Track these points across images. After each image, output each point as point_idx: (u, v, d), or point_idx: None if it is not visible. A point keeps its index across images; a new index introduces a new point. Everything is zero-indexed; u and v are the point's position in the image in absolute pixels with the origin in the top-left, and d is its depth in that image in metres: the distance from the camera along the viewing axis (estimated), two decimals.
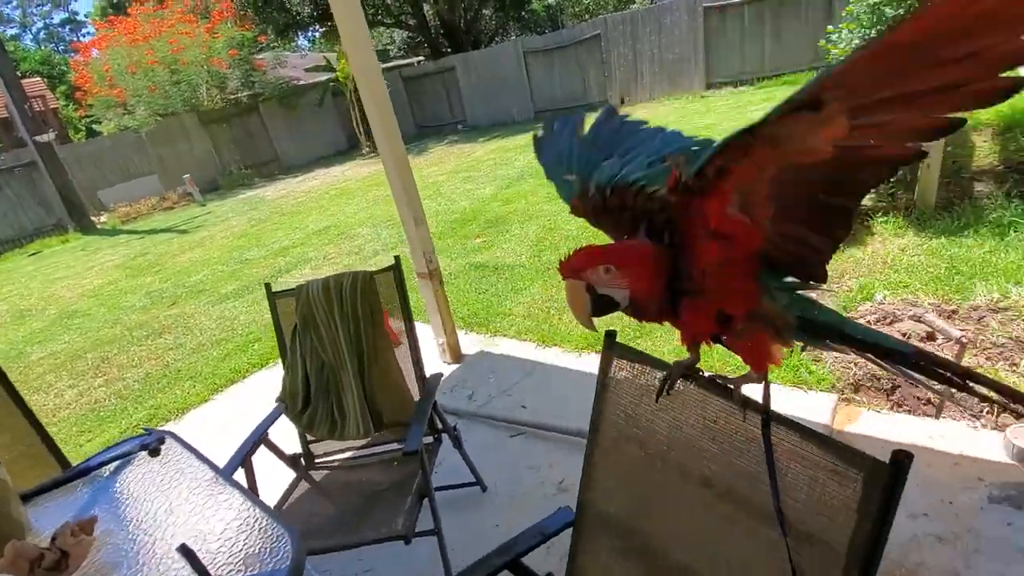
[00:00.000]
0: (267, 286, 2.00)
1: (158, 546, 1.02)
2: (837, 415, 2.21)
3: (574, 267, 0.78)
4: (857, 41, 3.68)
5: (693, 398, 0.94)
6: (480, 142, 12.52)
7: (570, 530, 1.20)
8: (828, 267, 0.77)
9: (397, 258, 1.95)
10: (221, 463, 1.37)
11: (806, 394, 2.35)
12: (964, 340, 2.04)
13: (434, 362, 3.30)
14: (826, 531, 0.75)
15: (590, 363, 2.98)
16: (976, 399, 2.18)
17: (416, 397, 1.96)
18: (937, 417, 2.17)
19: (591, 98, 13.09)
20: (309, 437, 1.96)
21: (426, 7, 19.04)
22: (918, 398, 2.27)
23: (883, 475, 0.69)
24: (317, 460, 1.99)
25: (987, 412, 2.13)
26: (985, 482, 1.79)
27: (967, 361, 2.30)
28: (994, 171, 4.23)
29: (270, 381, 3.63)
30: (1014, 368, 2.27)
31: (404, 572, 1.90)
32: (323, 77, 15.08)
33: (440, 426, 1.91)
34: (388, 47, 23.53)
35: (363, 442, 2.02)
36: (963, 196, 3.85)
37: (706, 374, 0.94)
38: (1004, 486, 1.76)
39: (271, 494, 1.82)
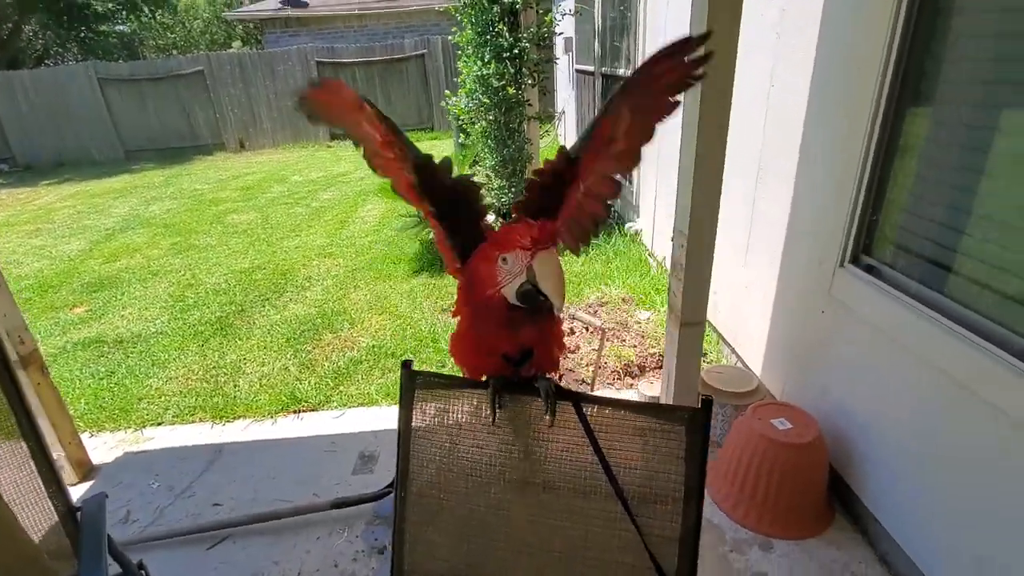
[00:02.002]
0: None
1: None
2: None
3: (553, 233, 0.74)
4: (473, 104, 4.45)
5: (513, 410, 0.91)
6: (44, 186, 9.41)
7: None
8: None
9: None
10: None
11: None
12: (603, 327, 2.67)
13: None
14: (663, 487, 0.84)
15: (290, 427, 2.57)
16: (611, 372, 2.88)
17: (55, 546, 1.27)
18: (592, 389, 2.77)
19: (202, 139, 11.60)
20: None
21: None
22: (576, 380, 2.86)
23: (699, 418, 0.82)
24: None
25: (616, 379, 2.85)
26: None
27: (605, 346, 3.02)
28: None
29: None
30: (623, 342, 3.11)
31: None
32: None
33: (118, 571, 1.28)
34: None
35: None
36: None
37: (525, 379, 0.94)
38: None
39: None
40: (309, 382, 2.90)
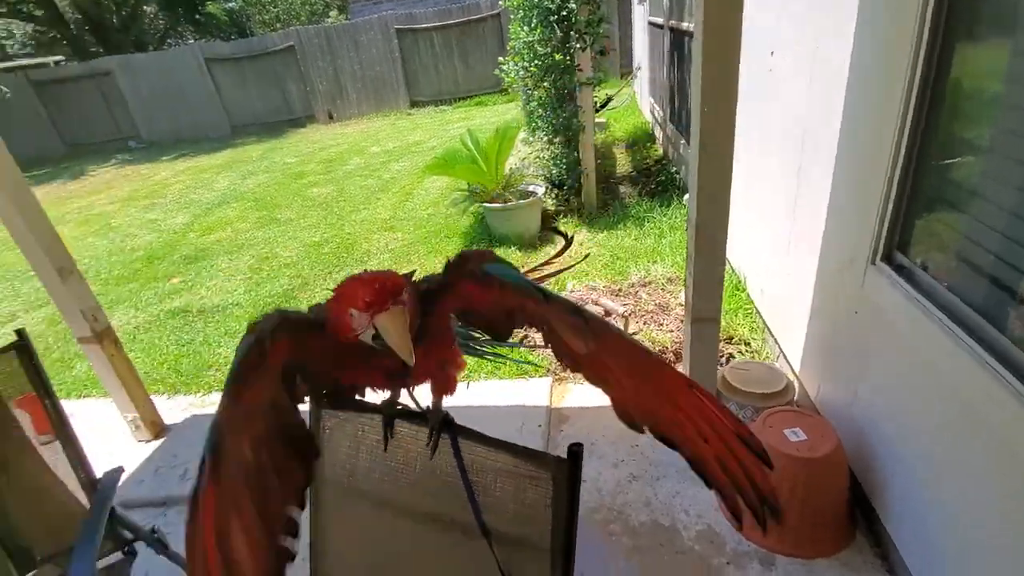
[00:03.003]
0: None
1: None
2: (554, 394, 2.54)
3: (394, 290, 0.69)
4: (521, 71, 4.30)
5: (408, 438, 0.91)
6: (164, 161, 10.56)
7: None
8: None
9: (21, 332, 1.43)
10: None
11: (527, 382, 2.63)
12: (626, 314, 2.56)
13: (125, 444, 2.61)
14: (530, 533, 0.81)
15: None
16: None
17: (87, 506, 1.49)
18: None
19: (296, 112, 12.34)
20: None
21: None
22: None
23: (565, 468, 0.77)
24: None
25: None
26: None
27: (630, 328, 2.91)
28: (631, 176, 5.51)
29: None
30: (660, 327, 2.97)
31: None
32: None
33: (129, 535, 1.49)
34: (3, 41, 17.86)
35: None
36: (615, 197, 4.91)
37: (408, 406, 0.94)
38: None
39: None
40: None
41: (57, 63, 14.44)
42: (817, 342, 2.05)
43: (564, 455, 0.76)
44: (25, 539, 1.39)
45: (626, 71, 10.06)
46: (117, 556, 1.50)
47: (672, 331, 2.91)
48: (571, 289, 3.38)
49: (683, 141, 4.67)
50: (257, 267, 4.67)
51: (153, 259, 5.25)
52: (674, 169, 5.15)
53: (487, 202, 4.26)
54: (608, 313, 2.99)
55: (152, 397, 2.69)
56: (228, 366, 3.18)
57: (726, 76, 1.56)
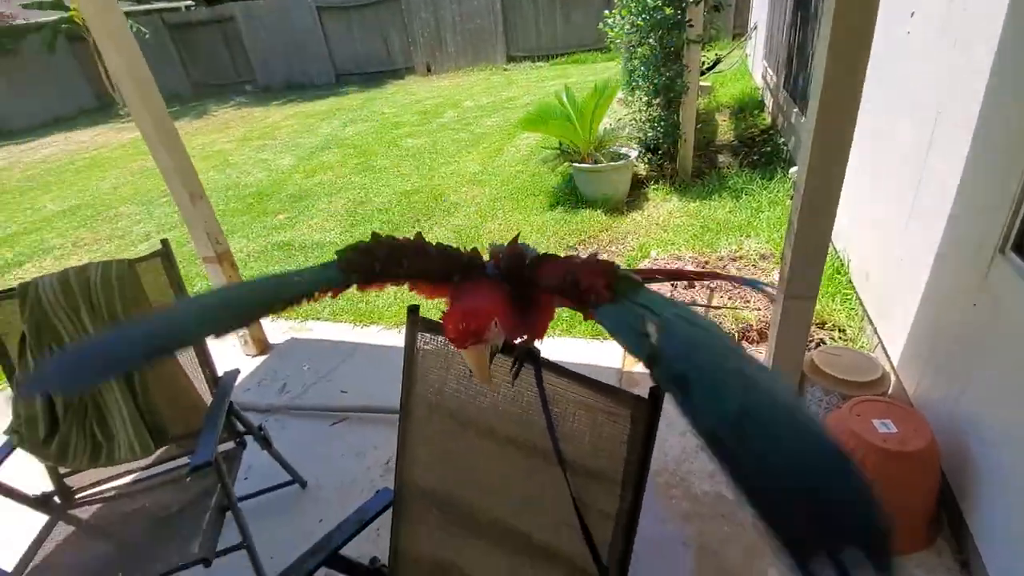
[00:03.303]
0: None
1: None
2: (626, 358, 2.54)
3: (476, 333, 0.70)
4: (628, 26, 4.12)
5: (495, 365, 0.97)
6: (275, 106, 11.26)
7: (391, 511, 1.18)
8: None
9: (165, 241, 1.65)
10: None
11: (601, 344, 2.65)
12: (712, 285, 2.48)
13: (235, 357, 2.95)
14: (604, 466, 0.85)
15: None
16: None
17: (209, 401, 1.72)
18: None
19: (396, 63, 12.63)
20: (62, 469, 1.59)
21: None
22: None
23: (644, 408, 0.80)
24: (78, 495, 1.63)
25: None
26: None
27: (714, 301, 2.82)
28: (731, 145, 5.19)
29: None
30: (747, 303, 2.85)
31: None
32: (52, 16, 11.92)
33: (241, 428, 1.71)
34: None
35: (144, 463, 1.71)
36: (712, 166, 4.67)
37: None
38: None
39: (13, 551, 1.45)
40: (433, 300, 3.24)
41: (188, 7, 15.62)
42: (924, 334, 1.89)
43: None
44: (161, 420, 1.64)
45: (739, 32, 9.32)
46: (230, 445, 1.74)
47: (759, 309, 2.79)
48: (655, 257, 3.31)
49: (796, 109, 4.32)
50: (352, 210, 4.95)
51: (263, 195, 5.70)
52: (781, 140, 4.79)
53: (577, 162, 4.20)
54: (692, 284, 2.91)
55: None
56: (324, 298, 3.34)
57: (859, 34, 1.43)
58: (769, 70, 5.93)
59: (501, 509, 1.01)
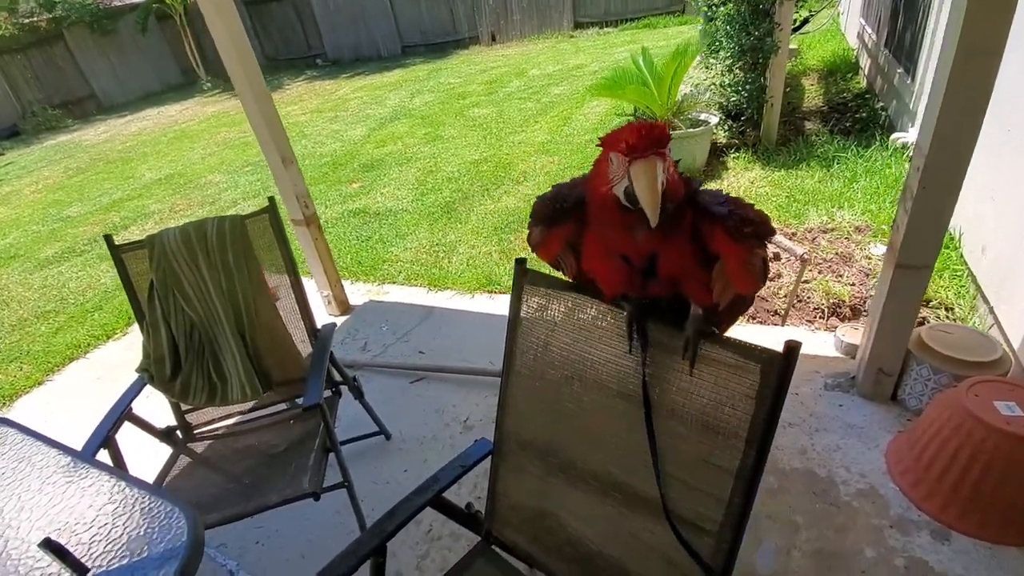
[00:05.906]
0: (108, 239, 1.68)
1: (12, 547, 0.84)
2: None
3: (659, 140, 0.72)
4: None
5: (613, 323, 0.96)
6: (344, 79, 11.52)
7: (488, 461, 1.21)
8: None
9: (272, 199, 1.73)
10: (77, 447, 1.16)
11: None
12: (805, 256, 2.35)
13: (320, 316, 3.09)
14: (727, 421, 0.83)
15: (484, 303, 2.99)
16: (812, 309, 2.56)
17: (305, 353, 1.82)
18: (782, 324, 2.51)
19: (461, 33, 12.54)
20: (184, 406, 1.74)
21: None
22: (768, 311, 2.62)
23: (776, 362, 0.76)
24: (197, 431, 1.79)
25: (819, 318, 2.52)
26: (821, 374, 2.13)
27: (806, 275, 2.67)
28: (820, 111, 4.84)
29: (120, 354, 3.17)
30: (839, 278, 2.69)
31: (311, 530, 1.82)
32: None
33: (338, 378, 1.80)
34: None
35: (249, 406, 1.85)
36: (798, 134, 4.37)
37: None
38: (836, 376, 2.10)
39: (144, 475, 1.61)
40: (505, 268, 3.27)
41: None
42: None
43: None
44: (267, 366, 1.75)
45: None
46: (327, 393, 1.84)
47: (852, 284, 2.62)
48: None
49: (900, 70, 3.95)
50: (423, 179, 5.03)
51: (337, 165, 5.89)
52: (879, 104, 4.42)
53: None
54: (778, 256, 2.78)
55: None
56: (398, 264, 3.48)
57: None
58: (867, 28, 5.44)
59: (603, 462, 1.01)
